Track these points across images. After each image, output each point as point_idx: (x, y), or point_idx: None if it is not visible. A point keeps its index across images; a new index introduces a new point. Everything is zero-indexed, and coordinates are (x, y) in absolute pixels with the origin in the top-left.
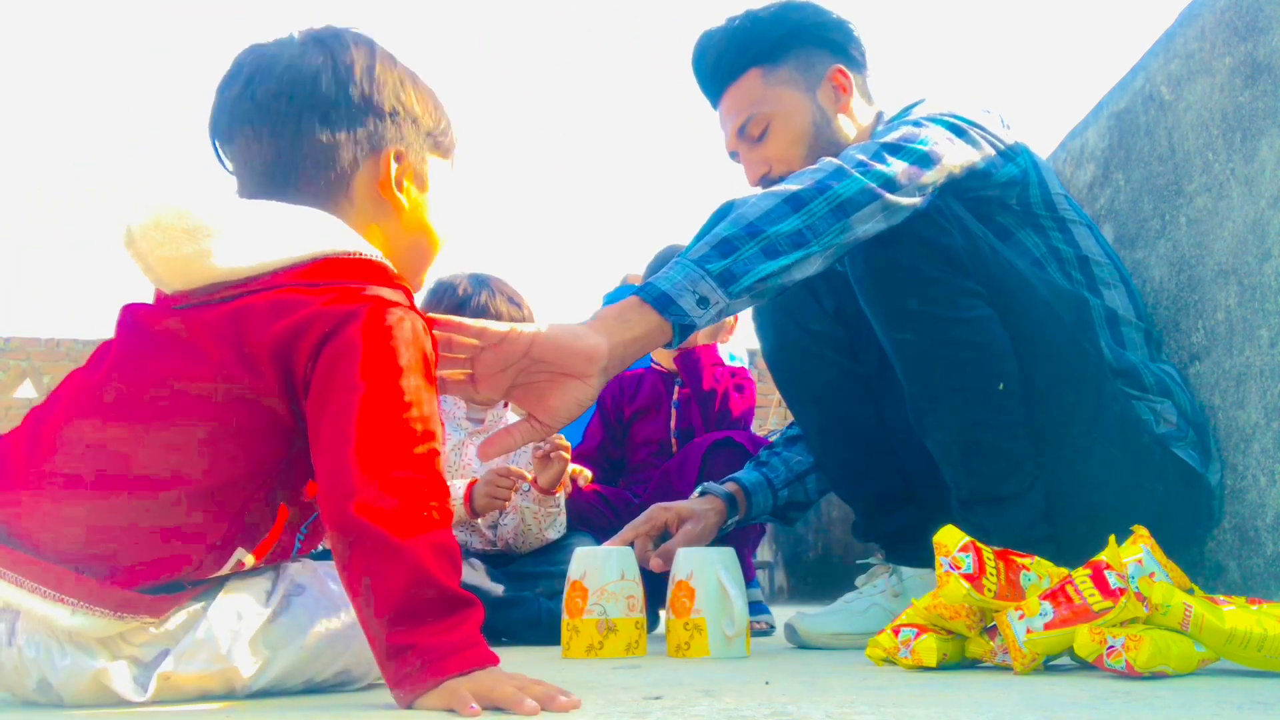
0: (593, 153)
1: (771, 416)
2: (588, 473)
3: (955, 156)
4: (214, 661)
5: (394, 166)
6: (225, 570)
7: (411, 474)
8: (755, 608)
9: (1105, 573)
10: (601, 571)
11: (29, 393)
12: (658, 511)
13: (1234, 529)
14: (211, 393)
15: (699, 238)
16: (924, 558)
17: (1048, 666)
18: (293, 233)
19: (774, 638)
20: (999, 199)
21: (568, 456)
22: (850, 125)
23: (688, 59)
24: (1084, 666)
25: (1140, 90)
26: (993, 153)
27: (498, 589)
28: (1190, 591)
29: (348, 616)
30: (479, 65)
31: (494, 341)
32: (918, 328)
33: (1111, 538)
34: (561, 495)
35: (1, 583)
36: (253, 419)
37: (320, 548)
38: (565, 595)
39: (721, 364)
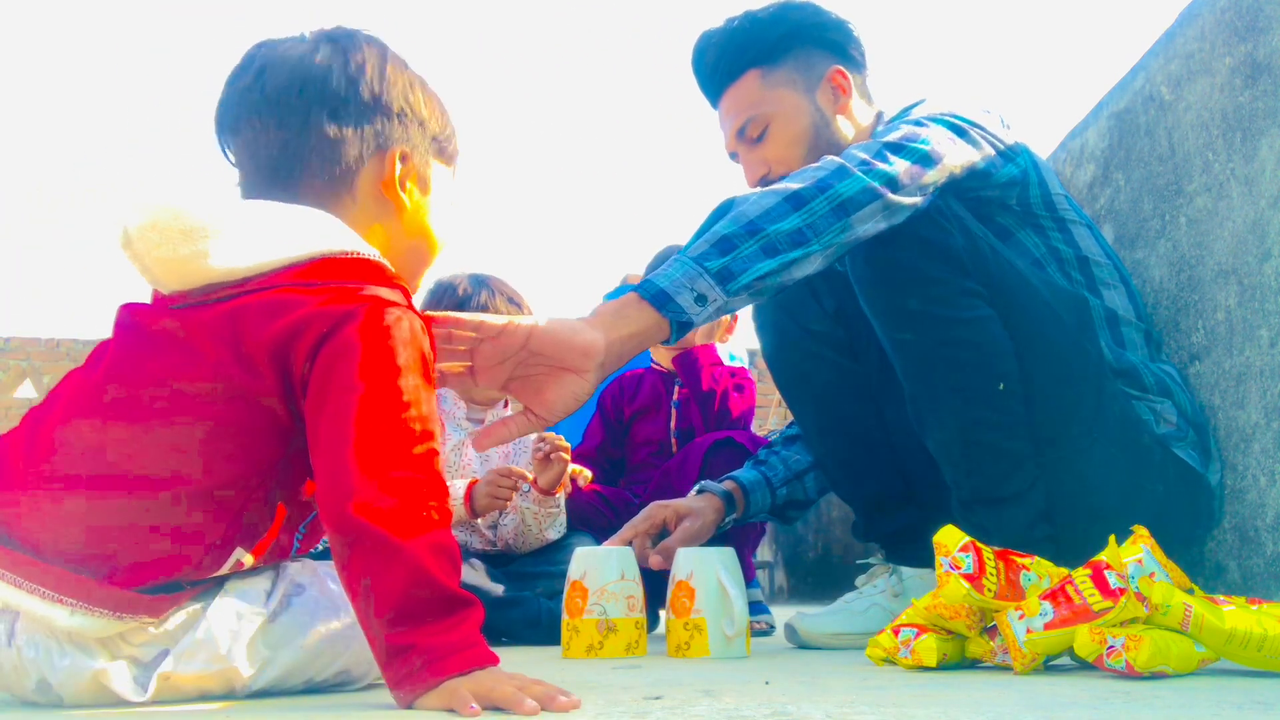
0: (592, 153)
1: (771, 416)
2: (588, 473)
3: (956, 156)
4: (214, 661)
5: (399, 166)
6: (224, 570)
7: (410, 474)
8: (755, 608)
9: (1105, 573)
10: (601, 571)
11: (29, 393)
12: (656, 509)
13: (1234, 529)
14: (209, 393)
15: (698, 235)
16: (924, 558)
17: (1048, 666)
18: (290, 232)
19: (774, 638)
20: (999, 199)
21: (568, 458)
22: (849, 126)
23: (687, 59)
24: (1084, 666)
25: (1140, 90)
26: (993, 153)
27: (498, 589)
28: (1190, 591)
29: (347, 616)
30: (479, 65)
31: (492, 335)
32: (918, 328)
33: (1111, 538)
34: (561, 496)
35: (0, 583)
36: (251, 419)
37: (320, 547)
38: (565, 595)
39: (721, 364)
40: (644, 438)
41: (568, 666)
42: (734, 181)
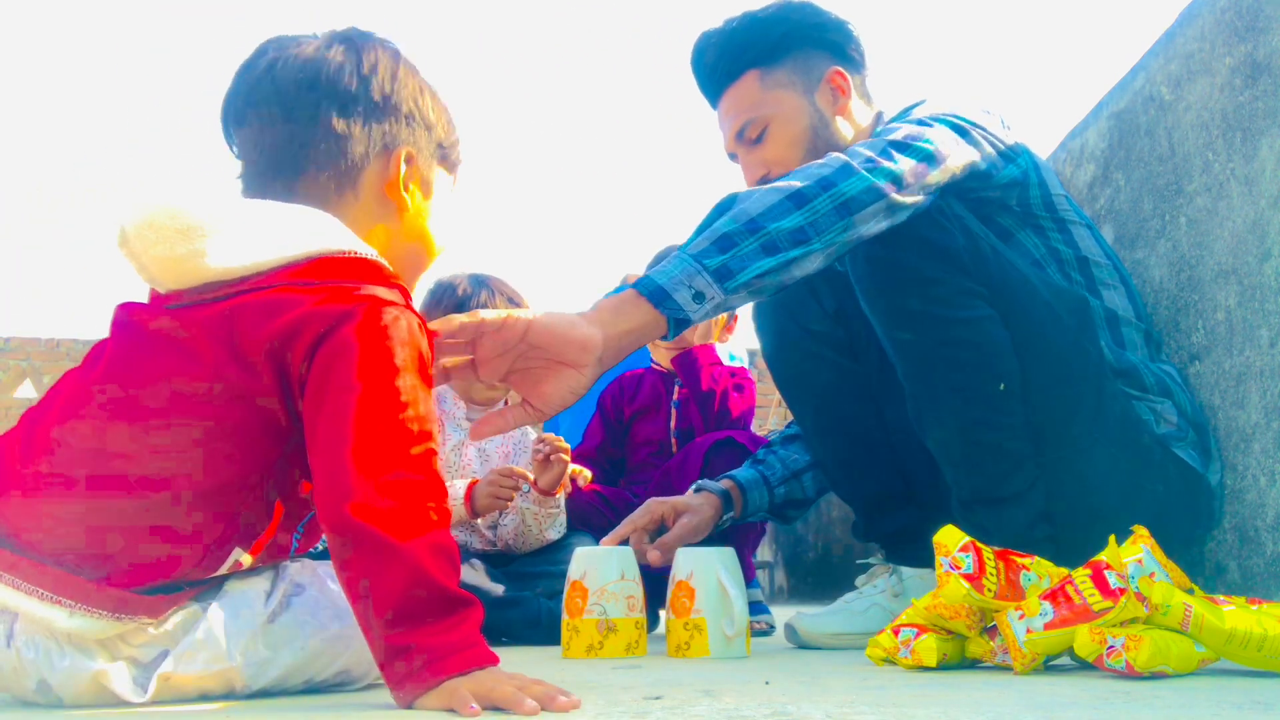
0: (592, 152)
1: (771, 416)
2: (587, 473)
3: (959, 157)
4: (213, 662)
5: (403, 168)
6: (223, 570)
7: (409, 474)
8: (755, 608)
9: (1105, 573)
10: (601, 571)
11: (29, 393)
12: (655, 505)
13: (1234, 529)
14: (206, 392)
15: (699, 231)
16: (924, 558)
17: (1048, 666)
18: (287, 232)
19: (774, 638)
20: (999, 200)
21: (567, 459)
22: (848, 127)
23: (687, 59)
24: (1084, 666)
25: (1140, 90)
26: (994, 154)
27: (498, 589)
28: (1190, 591)
29: (347, 617)
30: (479, 65)
31: (493, 329)
32: (919, 328)
33: (1111, 538)
34: (561, 496)
35: None
36: (248, 419)
37: (319, 547)
38: (565, 595)
39: (720, 364)
40: (644, 438)
41: (568, 666)
42: (734, 182)
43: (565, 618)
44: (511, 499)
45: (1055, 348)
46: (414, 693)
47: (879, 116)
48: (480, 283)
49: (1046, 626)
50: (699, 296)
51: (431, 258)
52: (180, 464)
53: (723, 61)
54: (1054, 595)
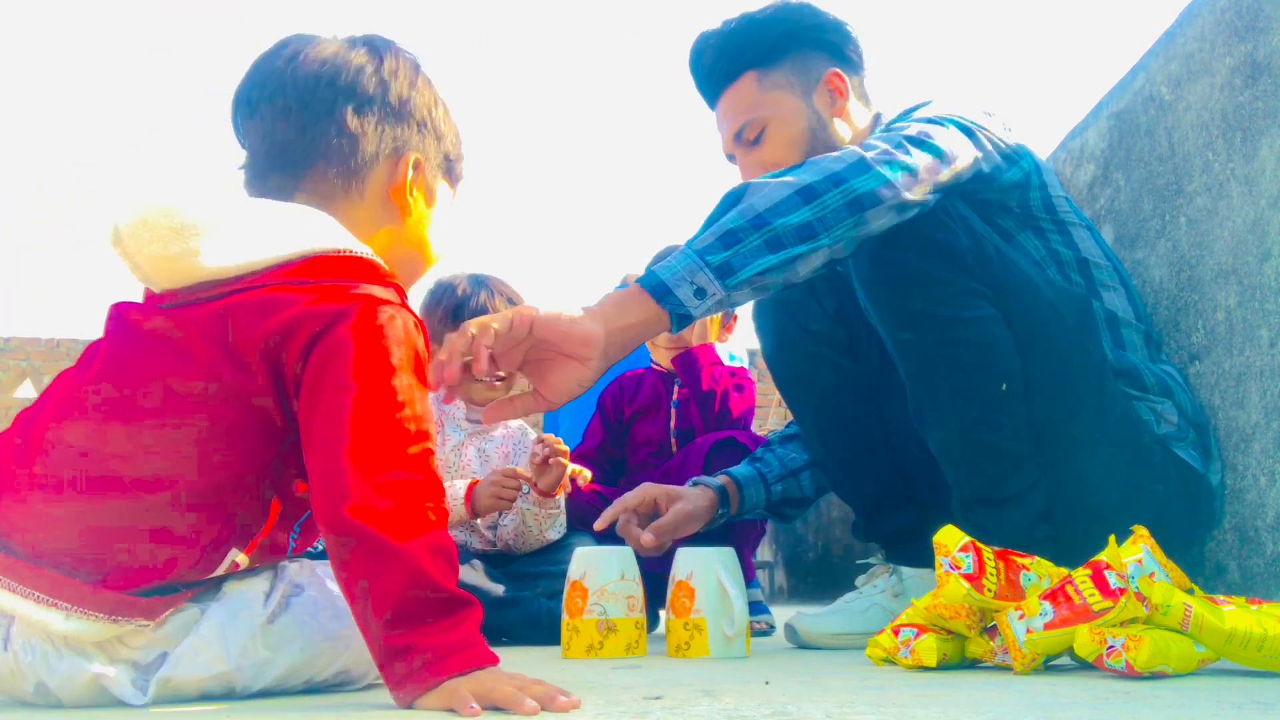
0: (592, 152)
1: (771, 416)
2: (587, 473)
3: (967, 157)
4: (213, 663)
5: (410, 173)
6: (220, 571)
7: (406, 474)
8: (755, 608)
9: (1105, 573)
10: (601, 571)
11: (29, 393)
12: (648, 488)
13: (1234, 529)
14: (201, 392)
15: (707, 224)
16: (924, 558)
17: (1048, 666)
18: (282, 231)
19: (774, 638)
20: (999, 202)
21: (566, 461)
22: (846, 128)
23: (686, 60)
24: (1084, 666)
25: (1140, 90)
26: (998, 157)
27: (498, 589)
28: (1190, 591)
29: (346, 617)
30: (479, 65)
31: (503, 330)
32: (921, 327)
33: (1111, 538)
34: (561, 496)
35: None
36: (243, 419)
37: (317, 547)
38: (565, 595)
39: (720, 364)
40: (644, 438)
41: (568, 666)
42: (733, 182)
43: (565, 618)
44: (514, 499)
45: (1057, 348)
46: (414, 693)
47: (877, 118)
48: (479, 283)
49: (1046, 626)
50: (700, 292)
51: (428, 265)
52: (175, 464)
53: (721, 62)
54: (1054, 595)
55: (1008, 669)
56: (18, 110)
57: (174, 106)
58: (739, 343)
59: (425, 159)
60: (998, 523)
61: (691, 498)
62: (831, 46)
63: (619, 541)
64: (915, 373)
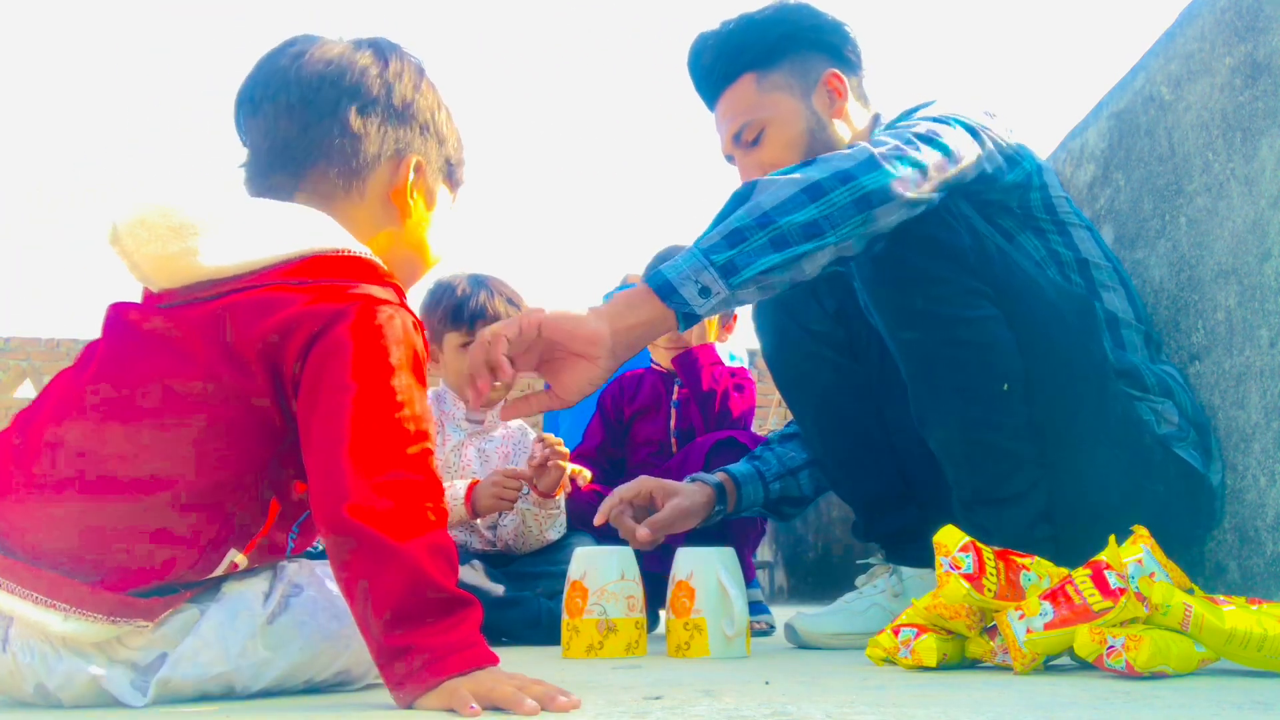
0: (592, 153)
1: (771, 416)
2: (587, 473)
3: (971, 157)
4: (213, 664)
5: (411, 175)
6: (219, 571)
7: (405, 474)
8: (755, 608)
9: (1105, 573)
10: (601, 571)
11: (29, 393)
12: (644, 480)
13: (1234, 529)
14: (200, 392)
15: (715, 223)
16: (924, 558)
17: (1048, 666)
18: (280, 230)
19: (774, 638)
20: (1000, 202)
21: (565, 463)
22: (845, 129)
23: (685, 61)
24: (1084, 666)
25: (1140, 90)
26: (1001, 158)
27: (498, 589)
28: (1190, 591)
29: (346, 617)
30: (479, 65)
31: (512, 336)
32: (923, 327)
33: (1111, 538)
34: (561, 496)
35: None
36: (242, 419)
37: (317, 547)
38: (565, 595)
39: (720, 364)
40: (644, 438)
41: (568, 666)
42: (732, 182)
43: (565, 618)
44: (515, 499)
45: (1059, 348)
46: (414, 693)
47: (876, 118)
48: (479, 283)
49: (1046, 626)
50: (705, 291)
51: (427, 267)
52: (174, 464)
53: (719, 64)
54: (1054, 595)
55: (1008, 669)
56: (18, 110)
57: (174, 106)
58: (739, 343)
59: (427, 162)
60: (998, 523)
61: (688, 493)
62: (830, 47)
63: (619, 540)
64: (916, 372)
